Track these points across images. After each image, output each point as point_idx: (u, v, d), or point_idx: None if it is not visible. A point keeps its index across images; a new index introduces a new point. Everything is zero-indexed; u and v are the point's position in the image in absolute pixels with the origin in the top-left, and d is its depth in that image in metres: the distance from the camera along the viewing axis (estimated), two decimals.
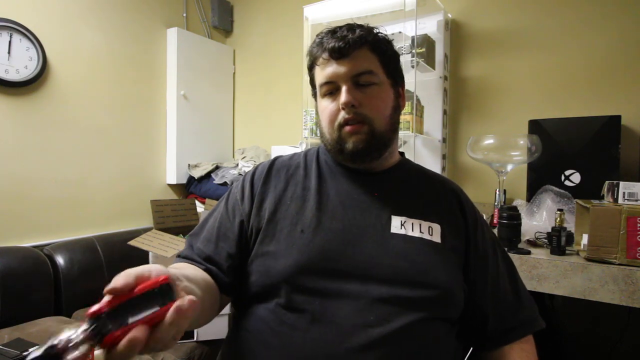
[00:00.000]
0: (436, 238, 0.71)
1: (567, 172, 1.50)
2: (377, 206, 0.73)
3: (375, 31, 0.75)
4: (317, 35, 0.76)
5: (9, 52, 1.75)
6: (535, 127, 1.55)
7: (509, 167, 1.54)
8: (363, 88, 0.72)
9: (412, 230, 0.70)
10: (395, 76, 0.77)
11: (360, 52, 0.71)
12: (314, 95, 0.80)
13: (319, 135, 0.83)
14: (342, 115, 0.71)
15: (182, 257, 0.73)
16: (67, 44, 1.97)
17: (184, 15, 2.55)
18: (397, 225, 0.70)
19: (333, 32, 0.73)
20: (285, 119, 2.54)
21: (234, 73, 2.80)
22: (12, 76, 1.76)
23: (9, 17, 1.75)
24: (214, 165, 2.42)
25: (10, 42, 1.75)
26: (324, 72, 0.73)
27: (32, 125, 1.85)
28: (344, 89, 0.71)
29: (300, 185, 0.75)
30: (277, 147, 2.26)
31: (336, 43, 0.70)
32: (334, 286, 0.64)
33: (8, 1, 1.77)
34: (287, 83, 2.52)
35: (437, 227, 0.72)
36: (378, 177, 0.77)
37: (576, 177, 1.48)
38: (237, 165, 2.43)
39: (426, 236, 0.70)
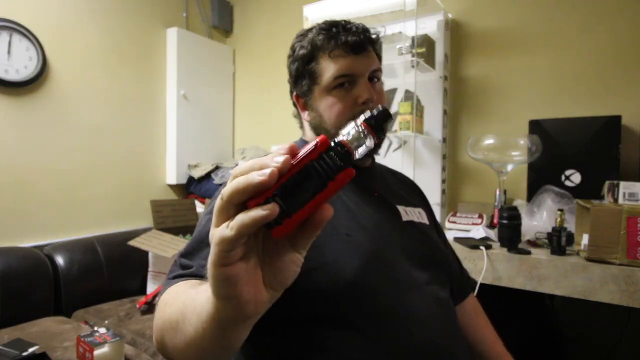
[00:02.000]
0: (426, 221, 0.79)
1: (567, 172, 1.50)
2: (381, 198, 0.74)
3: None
4: (318, 28, 0.74)
5: (8, 52, 1.75)
6: (536, 127, 1.55)
7: (509, 167, 1.54)
8: (372, 84, 0.73)
9: (414, 217, 0.75)
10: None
11: (371, 50, 0.73)
12: (308, 88, 0.76)
13: (311, 129, 0.78)
14: (361, 109, 0.69)
15: (178, 277, 0.58)
16: (66, 44, 1.97)
17: (184, 15, 2.55)
18: (404, 214, 0.74)
19: (344, 26, 0.72)
20: (285, 119, 2.53)
21: (233, 73, 2.79)
22: (12, 76, 1.76)
23: (8, 17, 1.75)
24: (214, 166, 2.41)
25: (10, 42, 1.75)
26: (339, 65, 0.70)
27: (31, 125, 1.85)
28: (362, 83, 0.71)
29: None
30: (277, 147, 2.25)
31: (357, 37, 0.70)
32: (397, 279, 0.64)
33: (8, 1, 1.77)
34: (287, 83, 2.52)
35: (422, 212, 0.80)
36: (367, 172, 0.78)
37: (576, 177, 1.48)
38: (237, 165, 2.42)
39: (422, 220, 0.77)
